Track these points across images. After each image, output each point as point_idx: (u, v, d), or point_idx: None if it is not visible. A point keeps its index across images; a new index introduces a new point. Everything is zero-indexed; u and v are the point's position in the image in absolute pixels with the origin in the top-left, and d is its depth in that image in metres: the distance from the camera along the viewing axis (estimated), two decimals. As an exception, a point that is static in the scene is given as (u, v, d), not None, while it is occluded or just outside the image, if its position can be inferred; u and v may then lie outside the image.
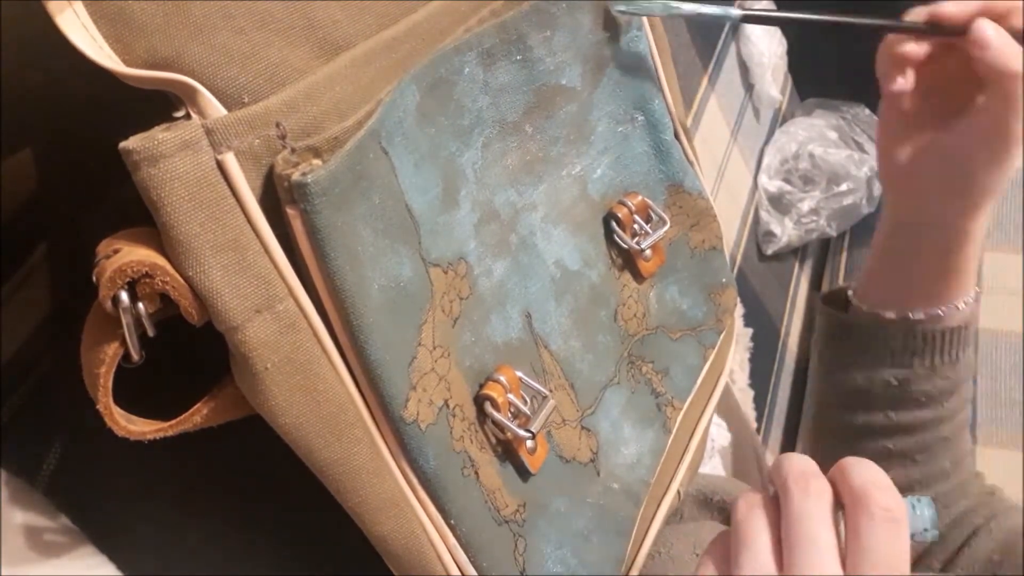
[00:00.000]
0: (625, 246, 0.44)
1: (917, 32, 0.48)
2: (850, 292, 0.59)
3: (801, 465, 0.33)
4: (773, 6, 1.24)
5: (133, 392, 0.28)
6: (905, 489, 0.56)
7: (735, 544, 0.33)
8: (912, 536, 0.31)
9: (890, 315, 0.55)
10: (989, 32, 0.46)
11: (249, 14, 0.27)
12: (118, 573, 0.35)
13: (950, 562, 0.55)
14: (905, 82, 0.49)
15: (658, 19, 0.46)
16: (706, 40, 1.09)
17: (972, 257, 0.53)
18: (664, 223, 0.45)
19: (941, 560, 0.55)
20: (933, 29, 0.48)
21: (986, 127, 0.48)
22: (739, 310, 1.02)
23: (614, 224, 0.43)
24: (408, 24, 0.32)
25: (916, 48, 0.48)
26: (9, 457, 0.34)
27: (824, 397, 0.60)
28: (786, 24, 1.04)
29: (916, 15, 0.49)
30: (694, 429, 0.49)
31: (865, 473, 0.32)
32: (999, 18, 0.46)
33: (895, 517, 0.31)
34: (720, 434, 0.80)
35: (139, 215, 0.26)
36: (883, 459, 0.56)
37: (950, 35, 0.47)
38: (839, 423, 0.59)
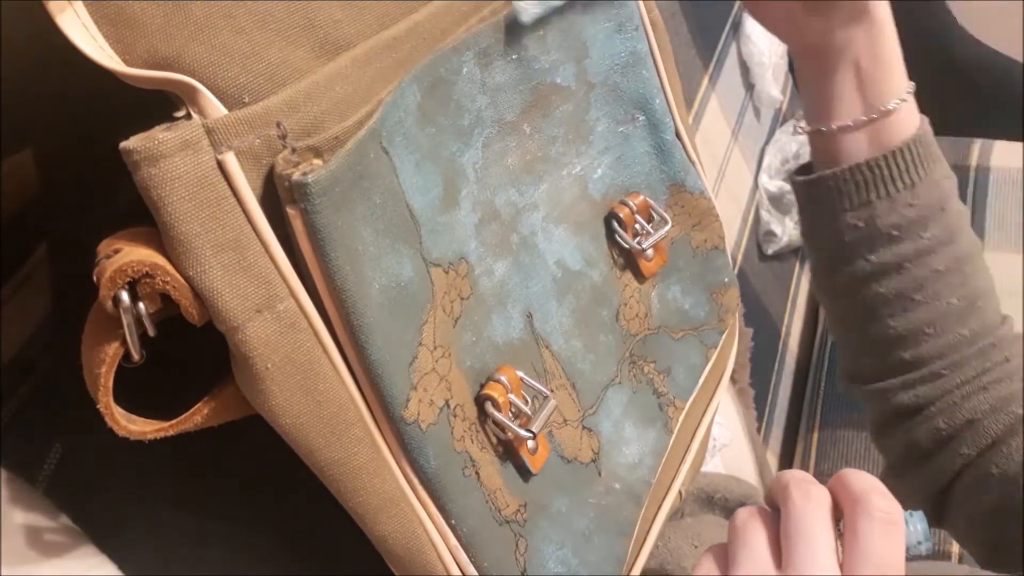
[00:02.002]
0: (627, 246, 0.43)
1: None
2: (799, 125, 0.58)
3: (801, 474, 0.34)
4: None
5: (134, 392, 0.28)
6: (918, 334, 0.54)
7: (733, 545, 0.34)
8: (906, 549, 0.32)
9: (835, 125, 0.54)
10: None
11: (250, 14, 0.27)
12: (118, 573, 0.35)
13: (987, 450, 0.53)
14: None
15: (659, 19, 0.46)
16: (707, 40, 1.09)
17: (886, 47, 0.53)
18: (666, 223, 0.45)
19: (977, 447, 0.53)
20: None
21: None
22: (739, 309, 1.01)
23: (615, 224, 0.43)
24: (409, 24, 0.32)
25: None
26: (9, 457, 0.34)
27: (815, 264, 0.60)
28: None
29: None
30: (696, 429, 0.49)
31: (865, 480, 0.33)
32: None
33: (893, 520, 0.31)
34: (722, 433, 0.80)
35: (139, 215, 0.26)
36: (882, 305, 0.55)
37: None
38: (834, 282, 0.58)
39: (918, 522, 0.33)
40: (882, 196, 0.53)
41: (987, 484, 0.52)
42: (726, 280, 0.50)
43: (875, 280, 0.55)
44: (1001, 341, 0.55)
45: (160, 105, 0.26)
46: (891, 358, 0.56)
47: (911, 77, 0.54)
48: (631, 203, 0.44)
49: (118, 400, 0.27)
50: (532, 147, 0.39)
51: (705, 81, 1.07)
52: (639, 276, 0.45)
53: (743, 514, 0.34)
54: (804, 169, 0.58)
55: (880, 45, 0.52)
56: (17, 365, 0.35)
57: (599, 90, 0.42)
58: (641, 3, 0.44)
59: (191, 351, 0.29)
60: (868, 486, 0.32)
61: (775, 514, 0.34)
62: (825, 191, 0.55)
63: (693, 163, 0.48)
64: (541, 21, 0.38)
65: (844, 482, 0.33)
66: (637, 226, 0.44)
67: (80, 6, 0.24)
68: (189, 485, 0.37)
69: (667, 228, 0.45)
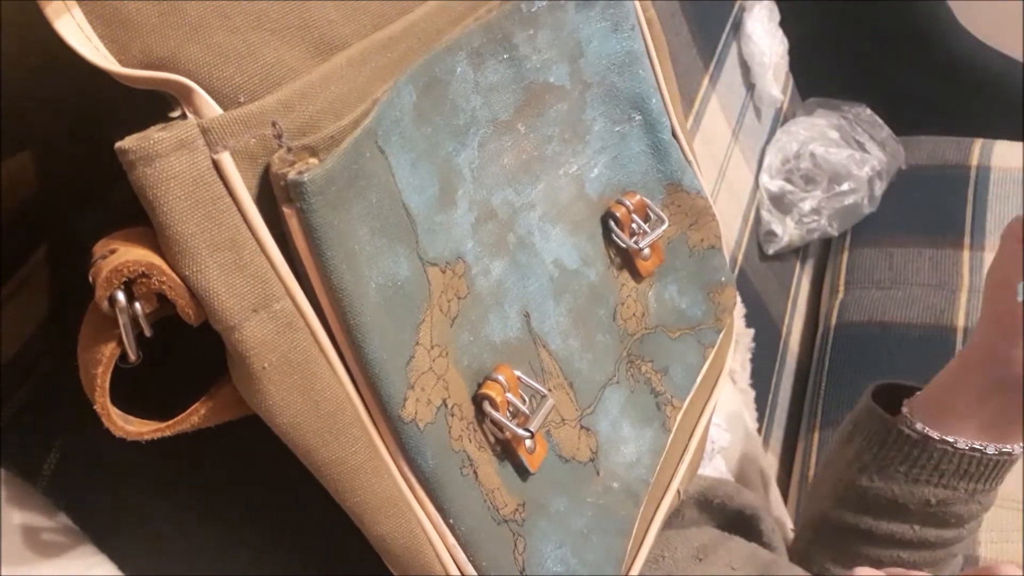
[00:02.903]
0: (623, 245, 0.43)
1: None
2: (905, 409, 0.56)
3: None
4: (774, 7, 1.24)
5: (131, 392, 0.28)
6: None
7: None
8: None
9: (961, 444, 0.52)
10: None
11: (244, 14, 0.27)
12: (118, 573, 0.35)
13: None
14: None
15: (655, 18, 0.46)
16: (707, 40, 1.09)
17: None
18: (662, 222, 0.45)
19: None
20: None
21: None
22: (740, 310, 1.01)
23: (612, 223, 0.43)
24: (404, 24, 0.32)
25: None
26: (9, 457, 0.34)
27: (851, 493, 0.59)
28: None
29: None
30: (693, 428, 0.49)
31: None
32: None
33: None
34: (720, 436, 0.80)
35: (136, 215, 0.26)
36: (890, 564, 0.55)
37: None
38: (859, 523, 0.58)
39: None
40: (969, 489, 0.53)
41: None
42: (723, 279, 0.50)
43: (904, 546, 0.55)
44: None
45: (156, 105, 0.26)
46: None
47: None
48: (628, 202, 0.44)
49: (115, 401, 0.27)
50: (528, 146, 0.39)
51: (705, 81, 1.07)
52: (636, 275, 0.45)
53: None
54: (884, 396, 0.57)
55: None
56: (17, 365, 0.35)
57: (595, 89, 0.42)
58: (637, 2, 0.44)
59: (188, 351, 0.29)
60: None
61: None
62: (918, 453, 0.54)
63: (690, 162, 0.48)
64: (531, 20, 0.38)
65: None
66: (634, 225, 0.44)
67: (75, 7, 0.24)
68: (188, 485, 0.37)
69: (664, 227, 0.45)
